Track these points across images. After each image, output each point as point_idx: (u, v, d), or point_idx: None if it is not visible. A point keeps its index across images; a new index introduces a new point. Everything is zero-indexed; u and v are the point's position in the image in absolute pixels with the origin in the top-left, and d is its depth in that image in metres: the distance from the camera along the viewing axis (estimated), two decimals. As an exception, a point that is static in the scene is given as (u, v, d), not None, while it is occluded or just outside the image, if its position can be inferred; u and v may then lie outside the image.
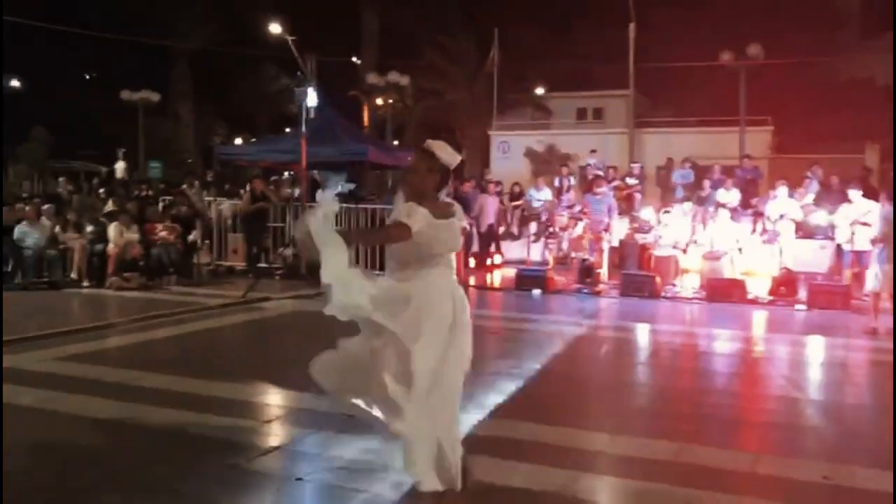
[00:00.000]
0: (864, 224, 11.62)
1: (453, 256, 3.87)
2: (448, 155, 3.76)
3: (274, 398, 6.02)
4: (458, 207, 3.88)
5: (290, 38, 14.86)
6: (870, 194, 12.33)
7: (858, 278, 11.88)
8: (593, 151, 19.51)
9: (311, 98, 12.97)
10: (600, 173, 16.20)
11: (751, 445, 5.15)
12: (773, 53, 22.88)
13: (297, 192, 15.30)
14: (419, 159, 3.79)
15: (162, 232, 12.87)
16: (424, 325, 3.62)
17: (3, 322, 7.91)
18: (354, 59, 28.73)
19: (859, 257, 11.93)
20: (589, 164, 18.49)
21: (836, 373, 7.48)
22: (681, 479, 4.28)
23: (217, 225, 14.72)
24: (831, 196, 14.19)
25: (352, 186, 16.37)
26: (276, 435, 5.12)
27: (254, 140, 23.20)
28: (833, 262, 12.96)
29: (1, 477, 4.15)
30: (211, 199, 15.61)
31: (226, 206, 15.04)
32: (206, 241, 14.60)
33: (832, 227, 12.78)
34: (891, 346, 8.34)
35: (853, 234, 11.69)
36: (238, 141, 28.25)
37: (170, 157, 31.64)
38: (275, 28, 16.93)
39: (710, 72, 24.29)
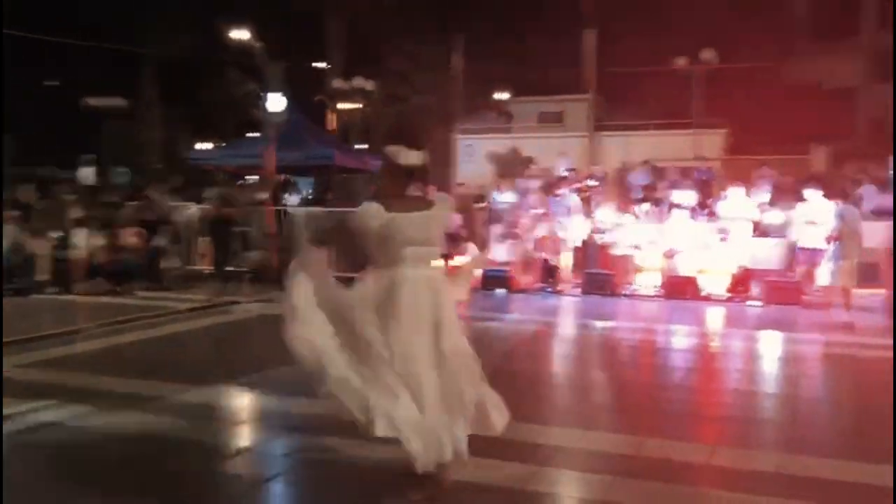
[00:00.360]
0: (813, 223, 12.12)
1: (432, 249, 4.00)
2: (406, 156, 3.97)
3: (242, 400, 6.12)
4: (439, 200, 4.07)
5: (256, 45, 14.95)
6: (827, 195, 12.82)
7: (810, 275, 12.36)
8: (563, 154, 19.87)
9: (278, 103, 13.09)
10: (567, 175, 16.55)
11: (708, 438, 5.32)
12: (726, 58, 23.47)
13: (263, 196, 15.39)
14: (382, 165, 4.15)
15: (129, 237, 12.90)
16: (392, 328, 3.79)
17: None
18: (320, 64, 28.76)
19: (812, 255, 12.42)
20: (562, 169, 18.84)
21: (789, 366, 7.74)
22: (641, 472, 4.43)
23: (184, 229, 14.75)
24: (784, 195, 14.70)
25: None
26: (245, 437, 5.21)
27: (220, 145, 23.19)
28: (787, 260, 13.42)
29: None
30: (177, 203, 15.63)
31: (192, 210, 15.08)
32: (174, 246, 14.63)
33: (785, 225, 13.23)
34: (844, 340, 8.77)
35: (806, 232, 12.15)
36: (204, 146, 28.16)
37: (136, 162, 31.42)
38: (241, 34, 17.00)
39: (666, 76, 24.81)
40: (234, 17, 19.04)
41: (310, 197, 17.33)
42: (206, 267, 14.30)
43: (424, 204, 3.96)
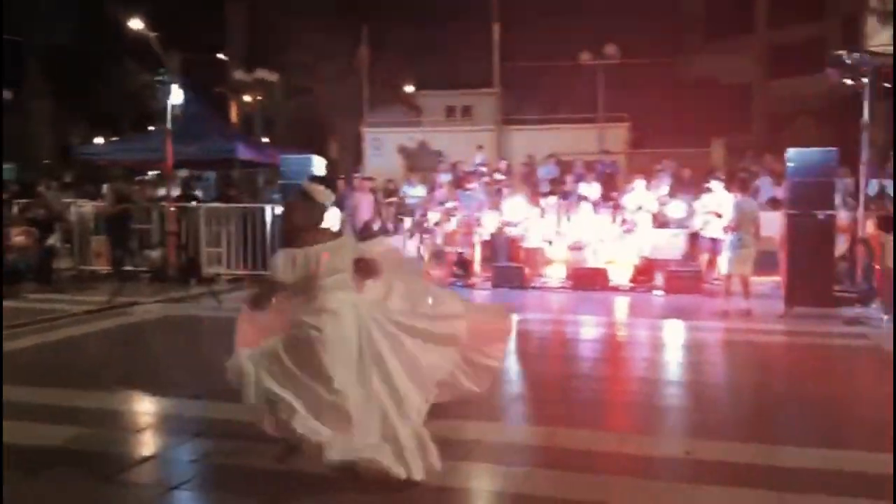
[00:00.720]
0: (717, 215, 12.56)
1: (346, 276, 4.28)
2: (325, 195, 4.39)
3: (145, 406, 5.89)
4: (343, 237, 4.44)
5: (152, 34, 14.37)
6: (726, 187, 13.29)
7: (712, 264, 12.83)
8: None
9: (176, 95, 12.61)
10: (476, 169, 16.67)
11: (617, 426, 5.43)
12: (629, 53, 24.14)
13: (162, 191, 14.85)
14: (296, 199, 4.45)
15: (17, 237, 12.21)
16: (324, 353, 4.05)
17: None
18: (220, 55, 28.00)
19: (713, 244, 12.88)
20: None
21: (693, 353, 7.95)
22: (555, 462, 4.49)
23: (78, 228, 14.08)
24: (684, 188, 15.19)
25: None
26: (148, 444, 5.01)
27: (115, 139, 22.25)
28: (687, 249, 13.87)
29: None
30: (70, 200, 14.91)
31: (87, 207, 14.41)
32: (67, 245, 13.95)
33: (686, 216, 13.67)
34: (742, 326, 9.12)
35: (708, 222, 12.59)
36: (99, 140, 26.98)
37: (24, 157, 29.80)
38: (135, 23, 16.27)
39: (570, 71, 25.32)
40: (129, 4, 18.29)
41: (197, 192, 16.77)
42: (102, 267, 13.71)
43: (332, 235, 4.34)
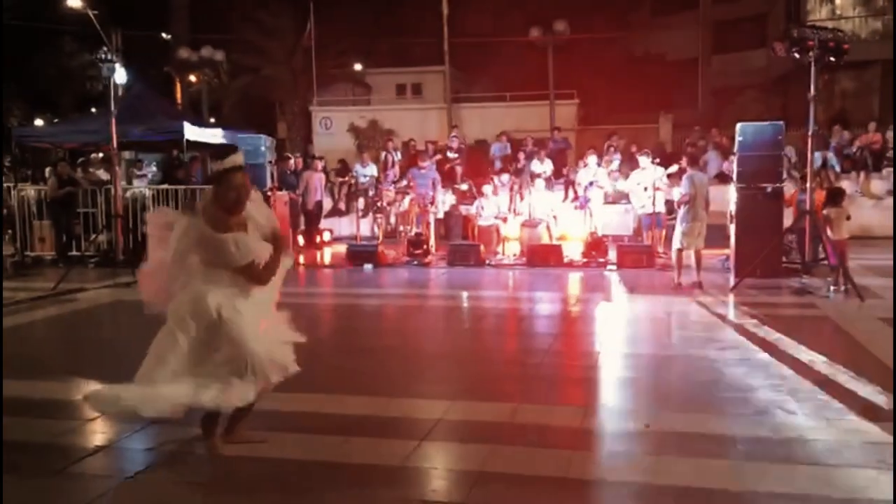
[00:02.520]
0: (658, 189, 12.75)
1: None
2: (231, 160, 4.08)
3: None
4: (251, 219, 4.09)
5: (91, 12, 13.88)
6: (667, 161, 13.49)
7: (658, 238, 13.02)
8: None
9: (119, 75, 12.24)
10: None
11: (577, 400, 5.44)
12: (578, 30, 24.19)
13: (107, 175, 14.47)
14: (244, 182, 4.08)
15: (-47, 223, 11.80)
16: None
17: None
18: (164, 34, 27.22)
19: (655, 218, 13.07)
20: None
21: (647, 327, 8.05)
22: (517, 438, 4.50)
23: (20, 213, 13.64)
24: (632, 163, 15.35)
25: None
26: (101, 433, 4.85)
27: (56, 121, 21.56)
28: (637, 225, 14.06)
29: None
30: (10, 185, 14.43)
31: (29, 192, 13.97)
32: (9, 231, 13.52)
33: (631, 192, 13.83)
34: (694, 299, 9.26)
35: (652, 197, 12.76)
36: (39, 122, 26.12)
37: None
38: (74, 1, 15.67)
39: (520, 47, 25.30)
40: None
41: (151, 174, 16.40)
42: (47, 252, 13.34)
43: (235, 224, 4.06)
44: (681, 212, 10.08)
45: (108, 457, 4.49)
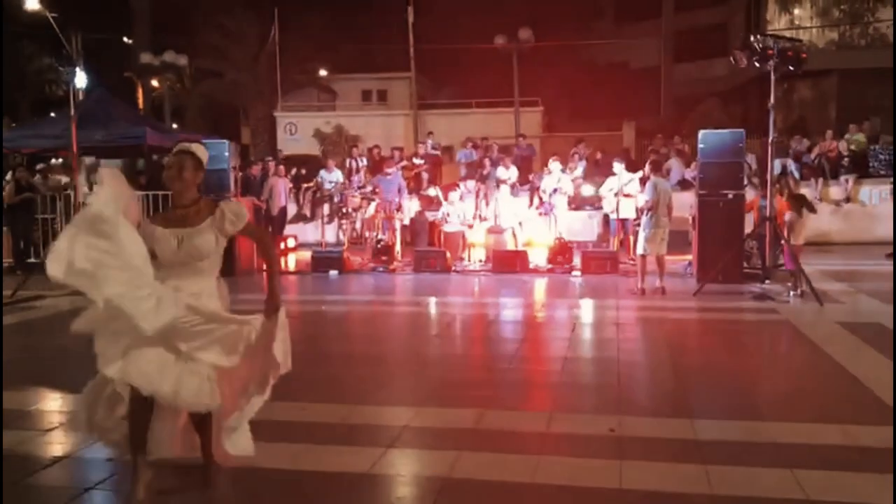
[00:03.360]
0: (627, 195, 12.87)
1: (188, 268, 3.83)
2: (202, 153, 3.93)
3: (54, 404, 5.63)
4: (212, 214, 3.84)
5: (50, 15, 13.63)
6: (630, 168, 13.64)
7: (624, 244, 13.15)
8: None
9: (80, 79, 12.05)
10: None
11: (543, 405, 5.46)
12: (542, 38, 24.37)
13: (67, 179, 14.22)
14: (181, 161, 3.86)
15: None
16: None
17: None
18: (125, 38, 26.86)
19: (623, 225, 13.22)
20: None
21: (611, 332, 8.04)
22: (483, 444, 4.50)
23: (-25, 219, 13.34)
24: (597, 170, 15.51)
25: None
26: (60, 443, 4.75)
27: (14, 125, 21.13)
28: (601, 231, 14.18)
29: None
30: (-35, 190, 14.10)
31: (-15, 197, 13.66)
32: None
33: (599, 198, 13.96)
34: (658, 304, 9.35)
35: (618, 203, 12.89)
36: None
37: None
38: (32, 3, 15.38)
39: (486, 54, 25.41)
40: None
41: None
42: (4, 259, 13.04)
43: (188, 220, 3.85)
44: (644, 218, 10.18)
45: (68, 467, 4.39)
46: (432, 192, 14.81)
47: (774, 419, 4.88)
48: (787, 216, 9.71)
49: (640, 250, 10.18)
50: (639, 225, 13.26)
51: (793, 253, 9.51)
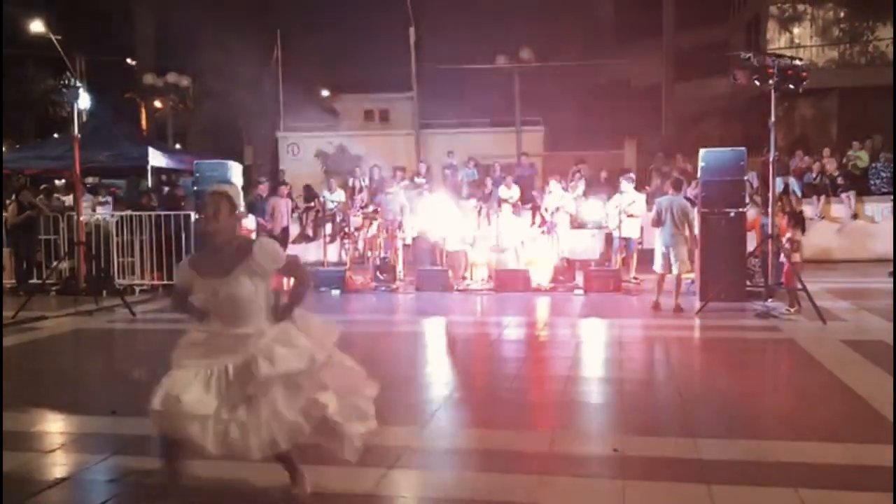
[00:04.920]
0: (631, 216, 12.88)
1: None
2: (236, 194, 3.90)
3: (56, 425, 5.61)
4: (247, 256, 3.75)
5: (54, 37, 13.73)
6: (637, 187, 13.67)
7: (626, 263, 13.14)
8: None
9: (83, 100, 12.11)
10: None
11: (546, 425, 5.42)
12: (543, 57, 24.51)
13: (70, 201, 14.26)
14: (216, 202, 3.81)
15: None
16: None
17: None
18: (129, 60, 27.04)
19: (627, 243, 13.21)
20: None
21: (615, 351, 8.07)
22: (485, 464, 4.48)
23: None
24: (599, 188, 15.50)
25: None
26: (61, 465, 4.73)
27: (18, 146, 21.26)
28: (604, 249, 14.16)
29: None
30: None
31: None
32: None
33: (601, 216, 13.95)
34: (661, 322, 9.33)
35: (621, 222, 12.89)
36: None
37: None
38: (37, 26, 15.48)
39: (487, 74, 25.54)
40: (30, 6, 17.44)
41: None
42: (6, 280, 13.05)
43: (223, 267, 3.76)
44: (662, 236, 10.21)
45: (69, 489, 4.37)
46: (435, 211, 14.80)
47: (778, 438, 4.86)
48: (793, 234, 9.72)
49: (656, 267, 10.25)
50: (641, 244, 13.30)
51: (795, 271, 9.50)
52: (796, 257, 9.64)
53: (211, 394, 3.59)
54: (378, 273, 12.92)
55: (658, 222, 9.99)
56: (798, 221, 9.82)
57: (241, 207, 3.96)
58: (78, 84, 11.98)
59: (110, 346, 9.04)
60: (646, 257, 13.41)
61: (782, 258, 9.76)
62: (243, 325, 3.72)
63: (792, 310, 9.35)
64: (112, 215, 13.66)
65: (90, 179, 16.22)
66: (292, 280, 4.05)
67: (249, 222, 13.23)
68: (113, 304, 11.02)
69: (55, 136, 18.74)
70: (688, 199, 14.74)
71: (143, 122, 26.00)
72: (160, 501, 3.89)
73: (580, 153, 19.97)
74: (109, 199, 16.18)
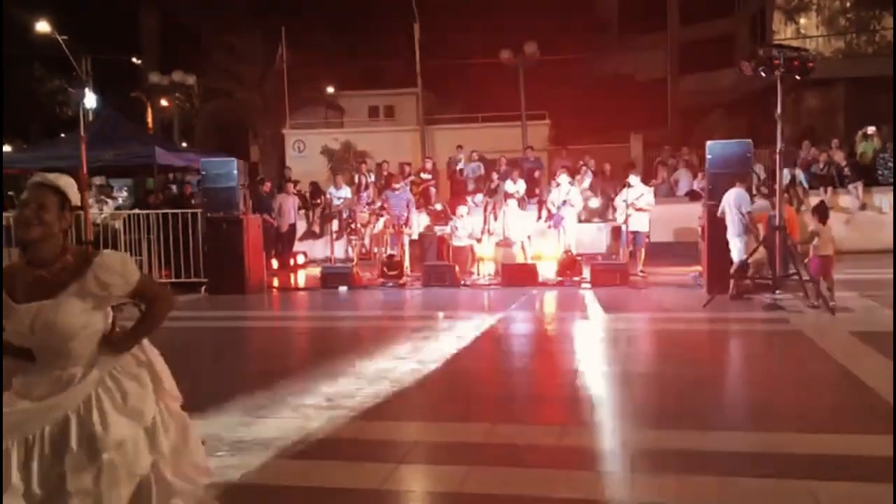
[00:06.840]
0: (640, 209, 12.84)
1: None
2: (75, 194, 2.98)
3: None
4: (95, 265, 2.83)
5: (60, 38, 13.77)
6: (642, 179, 13.65)
7: (634, 256, 13.12)
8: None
9: (89, 99, 12.15)
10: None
11: (556, 419, 5.42)
12: (547, 51, 24.47)
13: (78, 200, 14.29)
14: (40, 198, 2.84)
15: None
16: None
17: None
18: (134, 59, 27.10)
19: (635, 237, 13.18)
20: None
21: (624, 344, 8.02)
22: (494, 459, 4.47)
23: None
24: (605, 182, 15.50)
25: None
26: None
27: (26, 147, 21.35)
28: (610, 243, 14.16)
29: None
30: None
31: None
32: (-25, 260, 13.27)
33: (607, 210, 13.95)
34: (669, 316, 9.32)
35: (629, 216, 12.87)
36: (7, 148, 25.82)
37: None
38: (43, 26, 15.52)
39: (492, 69, 25.52)
40: (35, 6, 17.51)
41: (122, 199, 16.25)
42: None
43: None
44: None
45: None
46: (440, 206, 14.83)
47: (789, 430, 4.85)
48: (818, 228, 9.58)
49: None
50: (649, 238, 13.28)
51: (823, 264, 9.41)
52: (828, 249, 9.50)
53: (33, 481, 2.63)
54: (385, 269, 12.94)
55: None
56: (823, 214, 9.64)
57: (76, 202, 2.97)
58: (84, 83, 12.01)
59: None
60: (654, 251, 13.42)
61: (811, 254, 9.62)
62: (70, 365, 2.74)
63: (818, 302, 9.21)
64: (112, 216, 13.66)
65: (97, 178, 16.26)
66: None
67: (255, 219, 13.25)
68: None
69: (62, 136, 18.76)
70: (694, 191, 14.73)
71: (150, 121, 26.07)
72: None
73: (585, 147, 19.96)
74: (119, 196, 16.26)
